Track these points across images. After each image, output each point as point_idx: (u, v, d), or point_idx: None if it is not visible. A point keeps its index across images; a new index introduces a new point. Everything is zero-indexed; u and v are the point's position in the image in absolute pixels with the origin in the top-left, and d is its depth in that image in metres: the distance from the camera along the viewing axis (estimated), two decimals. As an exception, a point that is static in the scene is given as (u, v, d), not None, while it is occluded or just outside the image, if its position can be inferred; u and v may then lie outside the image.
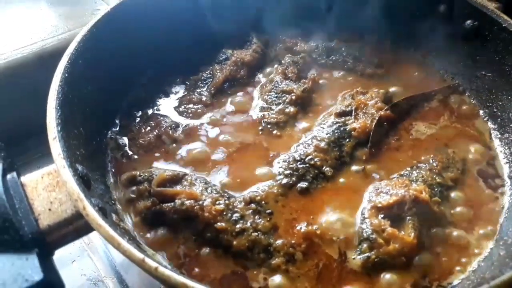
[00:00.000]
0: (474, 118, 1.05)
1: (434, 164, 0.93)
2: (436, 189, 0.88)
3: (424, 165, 0.93)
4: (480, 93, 1.07)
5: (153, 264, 0.59)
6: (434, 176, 0.90)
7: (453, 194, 0.89)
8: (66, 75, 0.83)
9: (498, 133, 1.01)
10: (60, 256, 0.98)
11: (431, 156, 0.95)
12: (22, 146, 1.06)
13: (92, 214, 0.64)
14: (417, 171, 0.91)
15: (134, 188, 0.87)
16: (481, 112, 1.06)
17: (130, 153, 0.96)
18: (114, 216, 0.80)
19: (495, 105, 1.03)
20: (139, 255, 0.60)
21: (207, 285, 0.66)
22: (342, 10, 1.19)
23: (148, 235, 0.82)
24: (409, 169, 0.93)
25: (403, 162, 0.95)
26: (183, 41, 1.13)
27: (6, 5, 1.32)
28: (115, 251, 0.66)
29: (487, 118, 1.04)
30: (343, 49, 1.18)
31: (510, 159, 0.95)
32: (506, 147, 0.97)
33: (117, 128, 0.99)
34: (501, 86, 1.02)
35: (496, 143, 0.99)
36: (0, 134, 1.04)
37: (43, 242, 0.67)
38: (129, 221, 0.84)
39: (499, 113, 1.02)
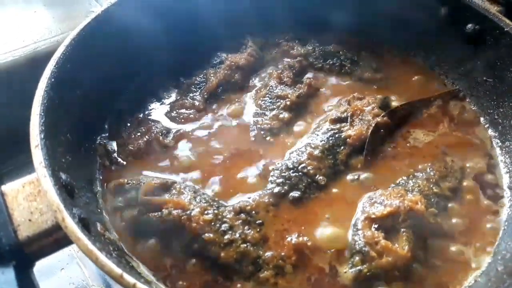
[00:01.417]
0: (475, 125, 1.02)
1: (432, 173, 0.90)
2: (432, 200, 0.85)
3: (421, 174, 0.90)
4: (481, 99, 1.03)
5: (131, 280, 0.57)
6: (431, 186, 0.87)
7: (450, 205, 0.86)
8: (53, 80, 0.81)
9: (499, 141, 0.97)
10: (48, 263, 0.98)
11: (429, 164, 0.92)
12: (12, 152, 1.04)
13: (71, 226, 0.62)
14: (413, 180, 0.89)
15: (121, 196, 0.85)
16: (481, 119, 1.02)
17: (119, 159, 0.93)
18: (99, 226, 0.78)
19: (496, 112, 1.00)
20: (117, 270, 0.58)
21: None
22: (340, 14, 1.15)
23: (134, 245, 0.80)
24: (405, 178, 0.90)
25: (400, 170, 0.92)
26: (176, 44, 1.10)
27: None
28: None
29: (487, 125, 1.01)
30: (340, 53, 1.15)
31: (510, 168, 0.92)
32: (507, 156, 0.94)
33: (106, 134, 0.97)
34: (503, 92, 0.98)
35: (497, 151, 0.96)
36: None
37: (22, 254, 0.65)
38: (114, 231, 0.81)
39: (500, 120, 0.98)
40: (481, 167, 0.94)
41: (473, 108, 1.05)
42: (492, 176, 0.92)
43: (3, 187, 0.71)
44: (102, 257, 0.59)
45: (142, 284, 0.57)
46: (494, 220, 0.85)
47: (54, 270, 0.98)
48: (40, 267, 0.89)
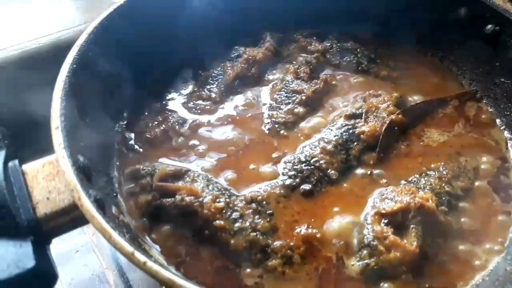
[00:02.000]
0: (491, 127, 1.01)
1: (444, 172, 0.90)
2: (444, 198, 0.85)
3: (434, 173, 0.90)
4: (498, 101, 1.03)
5: (142, 258, 0.59)
6: (443, 185, 0.87)
7: (462, 204, 0.86)
8: (74, 66, 0.84)
9: (514, 143, 0.97)
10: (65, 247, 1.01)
11: (442, 163, 0.92)
12: (33, 136, 1.07)
13: (87, 205, 0.64)
14: (425, 178, 0.89)
15: (136, 182, 0.87)
16: (498, 121, 1.02)
17: (136, 147, 0.96)
18: (114, 209, 0.80)
19: (513, 114, 0.99)
20: (129, 248, 0.60)
21: (199, 283, 0.65)
22: (359, 11, 1.16)
23: (147, 229, 0.82)
24: (417, 176, 0.90)
25: (412, 168, 0.92)
26: (196, 36, 1.12)
27: (27, -3, 1.34)
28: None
29: (504, 127, 1.00)
30: (358, 50, 1.15)
31: (525, 170, 0.92)
32: (522, 158, 0.94)
33: (125, 122, 0.99)
34: (521, 95, 0.98)
35: (512, 153, 0.96)
36: (11, 123, 1.07)
37: (39, 230, 0.67)
38: (128, 215, 0.83)
39: (516, 123, 0.98)
40: (495, 169, 0.93)
41: (490, 110, 1.04)
42: (505, 177, 0.92)
43: (24, 166, 0.73)
44: (115, 235, 0.61)
45: (153, 262, 0.59)
46: (505, 220, 0.85)
47: (69, 254, 1.01)
48: (56, 250, 0.95)
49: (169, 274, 0.57)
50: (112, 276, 0.99)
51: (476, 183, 0.90)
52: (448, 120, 1.02)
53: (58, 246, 0.97)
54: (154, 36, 1.05)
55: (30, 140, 0.97)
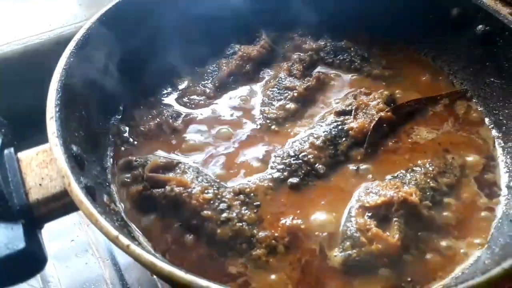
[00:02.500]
0: (479, 125, 1.03)
1: (430, 169, 0.91)
2: (428, 193, 0.86)
3: (420, 169, 0.91)
4: (488, 100, 1.04)
5: (125, 241, 0.62)
6: (428, 181, 0.88)
7: (446, 200, 0.88)
8: (71, 59, 0.87)
9: (502, 142, 0.98)
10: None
11: (429, 160, 0.93)
12: (32, 129, 1.10)
13: (76, 190, 0.67)
14: (411, 174, 0.90)
15: (129, 172, 0.90)
16: (486, 119, 1.03)
17: (130, 139, 0.98)
18: (106, 197, 0.83)
19: (501, 113, 1.00)
20: (113, 232, 0.63)
21: (182, 268, 0.67)
22: (353, 11, 1.18)
23: (137, 218, 0.85)
24: (403, 171, 0.91)
25: (399, 164, 0.94)
26: (193, 34, 1.15)
27: (33, -7, 1.38)
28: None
29: (492, 126, 1.02)
30: (351, 49, 1.17)
31: (510, 168, 0.93)
32: (508, 157, 0.95)
33: (120, 115, 1.02)
34: (509, 94, 0.99)
35: (499, 151, 0.97)
36: (11, 114, 1.10)
37: (31, 215, 0.70)
38: (120, 204, 0.86)
39: (504, 121, 0.99)
40: (481, 166, 0.94)
41: (479, 109, 1.05)
42: (491, 175, 0.93)
43: (19, 154, 0.76)
44: (101, 219, 0.63)
45: (136, 246, 0.61)
46: (488, 216, 0.86)
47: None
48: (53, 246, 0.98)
49: (150, 256, 0.60)
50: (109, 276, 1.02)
51: (462, 180, 0.91)
52: (438, 118, 1.04)
53: (56, 245, 1.03)
54: (151, 32, 1.08)
55: (29, 132, 1.00)
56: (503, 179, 0.92)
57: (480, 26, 1.03)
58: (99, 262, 1.02)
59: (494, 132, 1.00)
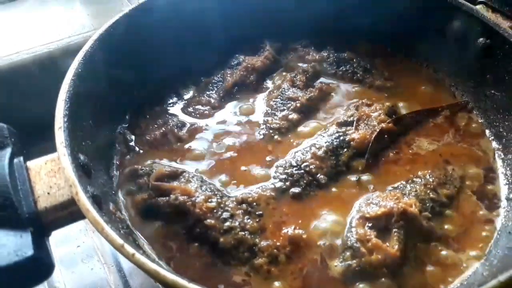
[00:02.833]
0: (480, 137, 1.04)
1: (431, 180, 0.93)
2: (428, 204, 0.88)
3: (420, 180, 0.93)
4: (488, 112, 1.06)
5: (131, 250, 0.63)
6: (428, 192, 0.90)
7: (446, 211, 0.89)
8: (79, 70, 0.89)
9: (502, 154, 0.99)
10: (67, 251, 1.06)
11: (429, 171, 0.95)
12: (41, 137, 1.12)
13: (83, 199, 0.69)
14: (411, 185, 0.92)
15: (134, 181, 0.92)
16: (487, 131, 1.05)
17: (136, 148, 1.00)
18: (111, 205, 0.85)
19: (501, 125, 1.02)
20: (119, 240, 0.64)
21: (187, 278, 0.69)
22: (356, 22, 1.20)
23: (143, 226, 0.87)
24: (404, 182, 0.93)
25: (400, 175, 0.95)
26: (198, 44, 1.17)
27: (42, 2, 1.41)
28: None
29: (492, 138, 1.03)
30: (354, 60, 1.19)
31: (510, 180, 0.94)
32: (508, 169, 0.96)
33: (127, 124, 1.04)
34: (510, 106, 1.00)
35: (499, 163, 0.98)
36: (20, 122, 1.12)
37: (39, 222, 0.72)
38: (125, 212, 0.88)
39: (505, 134, 1.00)
40: (481, 178, 0.96)
41: (480, 121, 1.07)
42: (491, 186, 0.94)
43: (28, 163, 0.78)
44: (107, 228, 0.65)
45: (141, 255, 0.63)
46: (488, 228, 0.87)
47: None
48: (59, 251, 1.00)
49: (154, 265, 0.61)
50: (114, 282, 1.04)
51: (462, 191, 0.93)
52: (439, 130, 1.05)
53: (63, 250, 1.05)
54: (158, 43, 1.10)
55: (37, 139, 1.02)
56: (503, 191, 0.93)
57: (481, 39, 1.05)
58: (104, 267, 1.04)
59: (494, 144, 1.02)
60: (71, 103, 0.83)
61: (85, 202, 0.68)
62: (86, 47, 0.94)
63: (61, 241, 1.05)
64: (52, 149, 0.78)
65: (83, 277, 1.03)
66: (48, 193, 0.75)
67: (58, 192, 0.75)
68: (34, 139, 1.14)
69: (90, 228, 1.09)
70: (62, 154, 0.74)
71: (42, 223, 0.73)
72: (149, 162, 0.97)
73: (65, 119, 0.80)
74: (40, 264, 0.69)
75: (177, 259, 0.82)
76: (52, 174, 0.77)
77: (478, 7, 1.11)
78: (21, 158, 0.78)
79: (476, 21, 1.05)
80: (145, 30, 1.07)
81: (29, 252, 0.67)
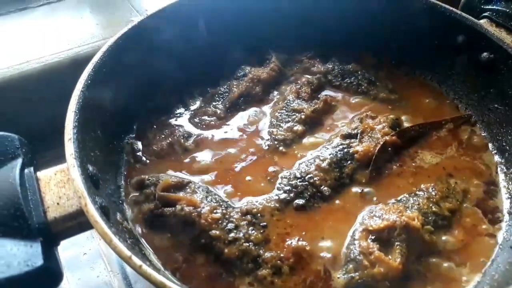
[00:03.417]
0: (483, 150, 1.05)
1: (433, 193, 0.94)
2: (430, 218, 0.89)
3: (423, 193, 0.94)
4: (491, 125, 1.07)
5: (138, 262, 0.65)
6: (431, 205, 0.91)
7: (448, 225, 0.90)
8: (89, 82, 0.90)
9: (504, 168, 1.00)
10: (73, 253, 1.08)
11: (432, 184, 0.96)
12: (50, 143, 1.14)
13: (92, 211, 0.70)
14: (414, 198, 0.93)
15: (141, 191, 0.94)
16: (490, 145, 1.05)
17: (143, 158, 1.02)
18: (118, 215, 0.87)
19: (504, 139, 1.02)
20: (127, 252, 0.66)
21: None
22: (362, 36, 1.22)
23: (149, 236, 0.88)
24: (407, 195, 0.94)
25: (403, 188, 0.96)
26: (206, 56, 1.19)
27: (52, 12, 1.44)
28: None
29: (495, 151, 1.04)
30: (359, 72, 1.20)
31: (512, 194, 0.95)
32: (510, 183, 0.97)
33: (134, 134, 1.06)
34: (512, 121, 1.02)
35: (501, 177, 0.99)
36: (29, 130, 1.14)
37: (48, 232, 0.74)
38: (132, 222, 0.90)
39: (507, 148, 1.01)
40: (484, 191, 0.96)
41: (483, 134, 1.08)
42: (493, 200, 0.95)
43: (39, 173, 0.80)
44: (115, 239, 0.67)
45: (148, 266, 0.65)
46: (490, 242, 0.88)
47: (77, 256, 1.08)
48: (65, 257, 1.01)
49: (161, 277, 0.63)
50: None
51: (464, 205, 0.94)
52: (442, 143, 1.06)
53: (67, 251, 1.06)
54: (166, 54, 1.12)
55: (46, 148, 1.04)
56: (505, 205, 0.94)
57: (484, 54, 1.06)
58: (110, 275, 1.06)
59: (497, 158, 1.03)
60: (81, 114, 0.85)
61: (94, 214, 0.70)
62: (95, 59, 0.96)
63: (67, 248, 1.06)
64: (60, 156, 0.80)
65: (89, 284, 1.05)
66: (58, 204, 0.77)
67: (67, 202, 0.77)
68: (42, 146, 1.16)
69: (96, 236, 1.11)
70: (71, 165, 0.76)
71: (51, 233, 0.75)
72: (155, 172, 0.98)
73: (75, 131, 0.82)
74: (50, 273, 0.71)
75: (183, 269, 0.84)
76: (62, 185, 0.79)
77: (482, 21, 1.12)
78: (32, 169, 0.80)
79: (480, 36, 1.06)
80: (153, 41, 1.09)
81: (39, 262, 0.69)
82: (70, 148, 0.78)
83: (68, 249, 1.06)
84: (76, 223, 0.77)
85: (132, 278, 1.04)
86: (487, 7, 1.16)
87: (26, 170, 0.79)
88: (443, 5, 1.11)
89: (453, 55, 1.13)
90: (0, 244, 0.69)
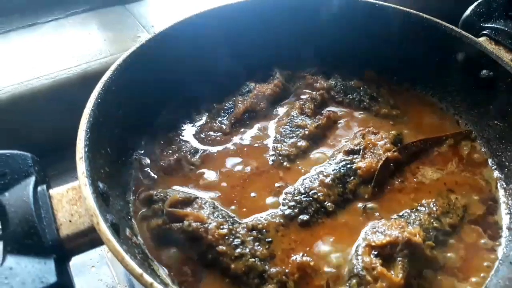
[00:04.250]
0: (483, 166, 1.07)
1: (434, 209, 0.96)
2: (431, 233, 0.91)
3: (424, 209, 0.96)
4: (491, 141, 1.09)
5: (149, 279, 0.67)
6: (432, 221, 0.93)
7: (449, 240, 0.92)
8: (99, 100, 0.93)
9: (504, 183, 1.03)
10: (82, 260, 1.10)
11: (433, 200, 0.98)
12: (58, 157, 1.17)
13: (104, 229, 0.73)
14: (416, 214, 0.95)
15: (149, 206, 0.96)
16: (489, 161, 1.08)
17: (151, 173, 1.04)
18: (128, 231, 0.89)
19: (504, 155, 1.05)
20: (138, 270, 0.68)
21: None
22: (364, 53, 1.24)
23: (157, 251, 0.91)
24: (408, 211, 0.96)
25: (404, 203, 0.98)
26: (212, 73, 1.21)
27: (59, 28, 1.47)
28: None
29: (495, 167, 1.06)
30: (361, 88, 1.23)
31: (512, 210, 0.97)
32: (510, 198, 0.99)
33: (142, 150, 1.09)
34: (512, 137, 1.04)
35: (501, 193, 1.01)
36: (40, 145, 1.17)
37: (61, 249, 0.76)
38: (141, 237, 0.92)
39: (507, 163, 1.04)
40: (484, 207, 0.99)
41: (483, 150, 1.10)
42: (493, 216, 0.97)
43: (51, 191, 0.82)
44: (127, 257, 0.69)
45: (158, 284, 0.67)
46: (489, 257, 0.90)
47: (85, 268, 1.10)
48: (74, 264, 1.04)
49: (171, 294, 0.65)
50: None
51: (465, 220, 0.96)
52: (443, 159, 1.08)
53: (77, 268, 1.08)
54: (173, 72, 1.14)
55: (58, 164, 1.07)
56: (505, 221, 0.96)
57: (484, 71, 1.08)
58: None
59: (496, 174, 1.05)
60: (91, 133, 0.87)
61: (105, 232, 0.72)
62: (105, 78, 0.98)
63: (76, 260, 1.09)
64: (69, 168, 0.82)
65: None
66: (70, 221, 0.79)
67: (79, 220, 0.79)
68: (51, 160, 1.19)
69: (105, 249, 1.14)
70: (83, 184, 0.78)
71: (64, 250, 0.77)
72: (163, 187, 1.01)
73: (86, 149, 0.84)
74: (62, 290, 0.73)
75: (191, 284, 0.86)
76: (73, 202, 0.81)
77: (481, 39, 1.14)
78: (44, 186, 0.82)
79: (479, 53, 1.09)
80: (160, 59, 1.11)
81: (53, 279, 0.71)
82: (81, 166, 0.81)
83: (77, 263, 1.09)
84: (88, 239, 0.79)
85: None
86: (486, 25, 1.18)
87: (39, 188, 0.81)
88: (443, 23, 1.14)
89: (453, 72, 1.16)
90: (15, 261, 0.72)
